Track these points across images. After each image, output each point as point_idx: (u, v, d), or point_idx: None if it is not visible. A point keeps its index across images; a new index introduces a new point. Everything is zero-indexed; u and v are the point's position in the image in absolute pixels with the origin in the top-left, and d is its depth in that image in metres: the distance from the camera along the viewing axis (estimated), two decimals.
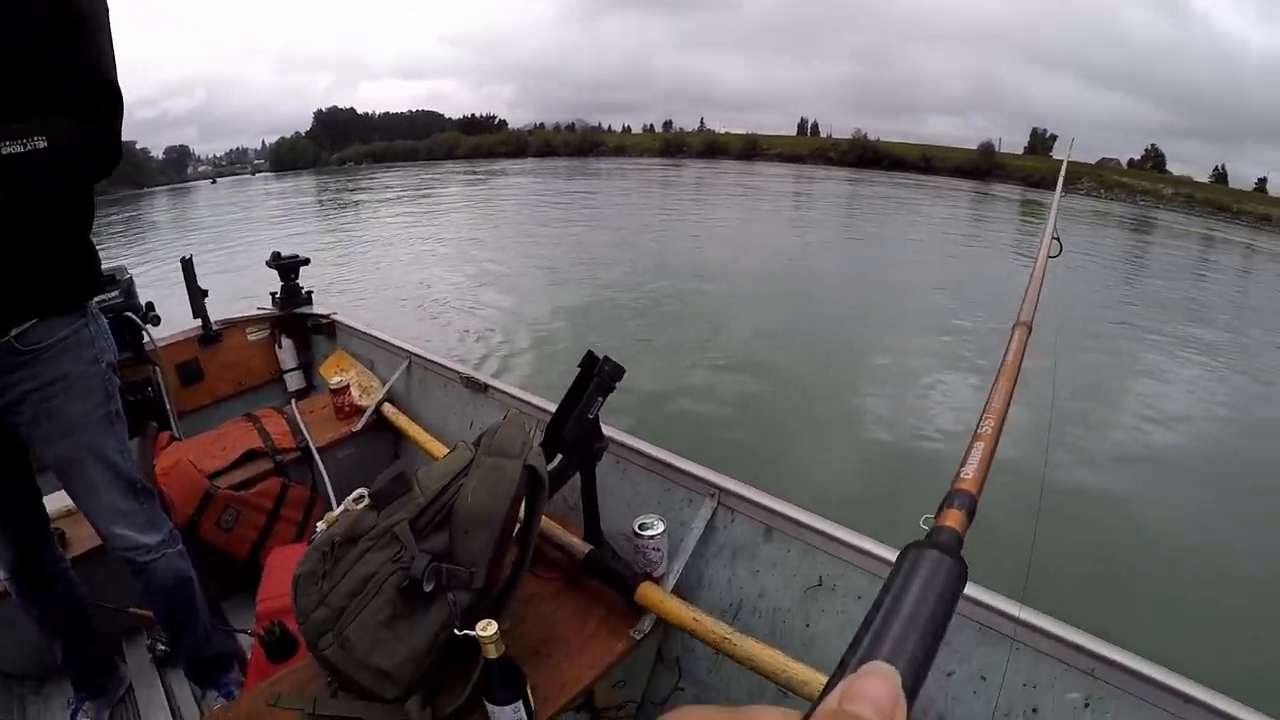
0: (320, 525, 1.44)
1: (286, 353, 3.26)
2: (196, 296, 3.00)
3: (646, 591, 1.57)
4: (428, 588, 1.27)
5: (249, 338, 3.22)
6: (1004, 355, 0.81)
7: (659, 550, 1.62)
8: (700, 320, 8.74)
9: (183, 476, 2.28)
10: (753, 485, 1.69)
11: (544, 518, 1.74)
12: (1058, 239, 1.53)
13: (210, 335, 3.07)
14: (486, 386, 2.40)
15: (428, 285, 10.49)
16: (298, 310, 3.25)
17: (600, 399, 1.60)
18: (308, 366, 3.32)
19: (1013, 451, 5.32)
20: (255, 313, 3.25)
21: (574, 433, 1.58)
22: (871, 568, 1.46)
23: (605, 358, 1.60)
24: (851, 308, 9.76)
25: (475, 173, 41.50)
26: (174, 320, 3.04)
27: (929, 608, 0.32)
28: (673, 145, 68.17)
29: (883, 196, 30.38)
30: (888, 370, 7.26)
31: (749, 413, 6.03)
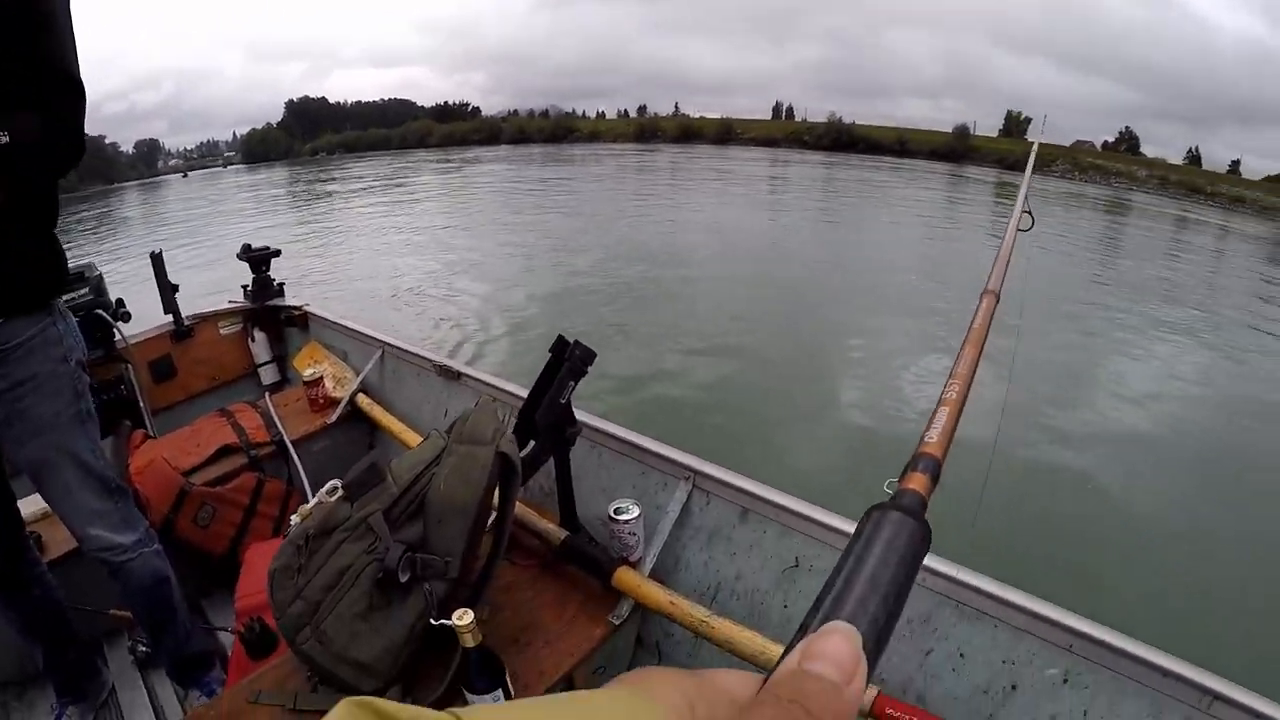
0: (294, 519, 1.44)
1: (260, 346, 3.22)
2: (167, 292, 2.96)
3: (623, 576, 1.57)
4: (403, 578, 1.26)
5: (221, 332, 3.18)
6: (971, 322, 0.81)
7: (635, 534, 1.62)
8: (675, 305, 8.75)
9: (157, 475, 2.25)
10: (728, 467, 1.69)
11: (520, 505, 1.74)
12: (1029, 213, 1.54)
13: (182, 331, 3.03)
14: (460, 374, 2.39)
15: (401, 275, 10.45)
16: (270, 303, 3.21)
17: (572, 384, 1.59)
18: (281, 359, 3.29)
19: (990, 430, 5.41)
20: (227, 306, 3.22)
21: (546, 418, 1.57)
22: (844, 545, 1.47)
23: (576, 342, 1.59)
24: (827, 290, 9.82)
25: (449, 161, 41.22)
26: (145, 317, 3.00)
27: (891, 570, 0.32)
28: (647, 130, 68.19)
29: (858, 180, 30.48)
30: (863, 351, 7.30)
31: (724, 396, 6.05)
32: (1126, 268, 13.98)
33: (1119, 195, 37.41)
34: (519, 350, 6.84)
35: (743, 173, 32.06)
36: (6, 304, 1.45)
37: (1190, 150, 54.44)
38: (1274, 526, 4.51)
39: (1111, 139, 58.90)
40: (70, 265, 1.72)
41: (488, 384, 2.28)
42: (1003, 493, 4.64)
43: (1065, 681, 1.25)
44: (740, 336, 7.55)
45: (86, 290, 2.62)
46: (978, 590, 1.32)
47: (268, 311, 3.22)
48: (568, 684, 1.49)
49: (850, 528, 1.45)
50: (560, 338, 1.61)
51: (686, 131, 65.62)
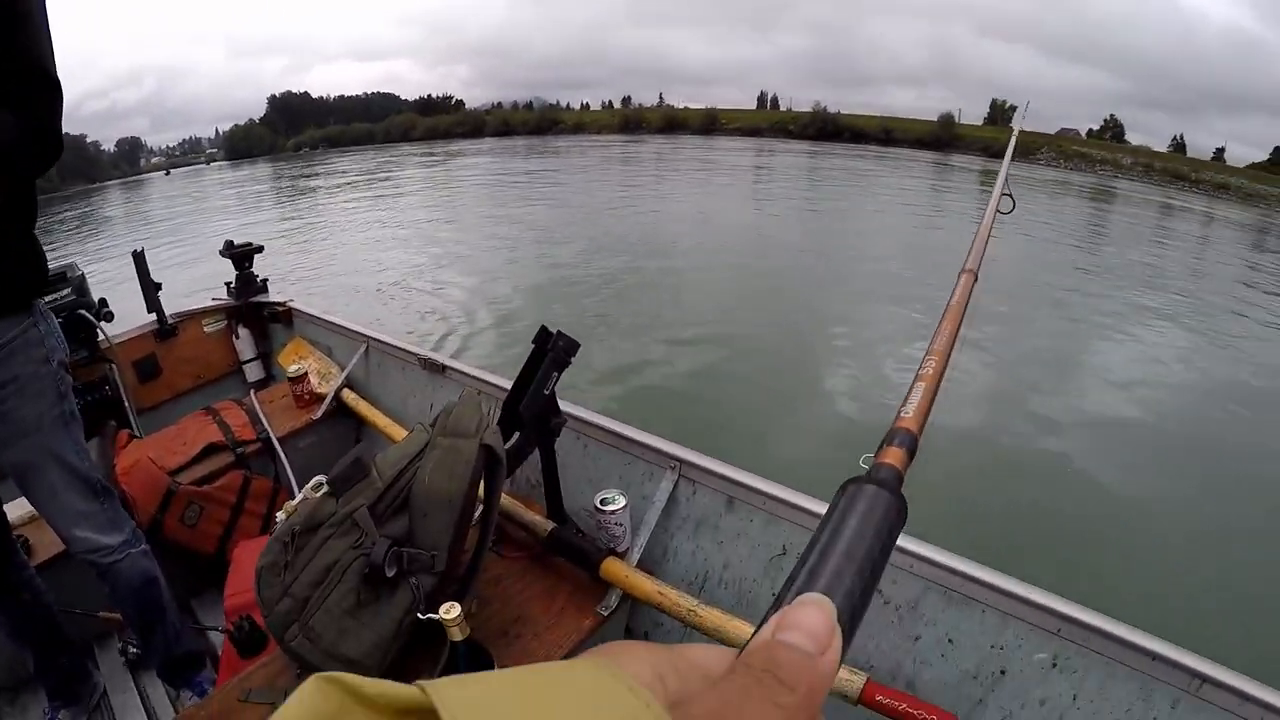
0: (280, 515, 1.43)
1: (244, 343, 3.21)
2: (150, 290, 2.93)
3: (611, 567, 1.58)
4: (389, 573, 1.26)
5: (205, 330, 3.16)
6: (949, 299, 0.82)
7: (622, 525, 1.63)
8: (659, 295, 8.74)
9: (143, 475, 2.24)
10: (713, 456, 1.69)
11: (507, 497, 1.74)
12: (1009, 195, 1.54)
13: (166, 329, 3.01)
14: (445, 367, 2.39)
15: (386, 269, 10.38)
16: (254, 299, 3.20)
17: (556, 374, 1.59)
18: (266, 356, 3.27)
19: (975, 417, 5.45)
20: (211, 304, 3.19)
21: (530, 410, 1.57)
22: None
23: (559, 332, 1.59)
24: (811, 279, 9.81)
25: (433, 154, 41.00)
26: (129, 316, 2.98)
27: (866, 543, 0.32)
28: (632, 121, 68.14)
29: (842, 169, 30.50)
30: (848, 339, 7.31)
31: (709, 385, 6.04)
32: (1111, 254, 14.05)
33: (1104, 182, 37.61)
34: (505, 342, 6.83)
35: (728, 163, 32.03)
36: None
37: (1175, 138, 54.96)
38: (1258, 509, 4.56)
39: (1096, 127, 59.30)
40: (52, 266, 1.70)
41: (472, 376, 2.28)
42: (989, 478, 4.68)
43: (1054, 665, 1.26)
44: (725, 326, 7.55)
45: (69, 291, 2.59)
46: (965, 575, 1.33)
47: (252, 308, 3.21)
48: None
49: None
50: (543, 328, 1.60)
51: (671, 122, 65.57)
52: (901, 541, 1.40)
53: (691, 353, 6.74)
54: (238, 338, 3.20)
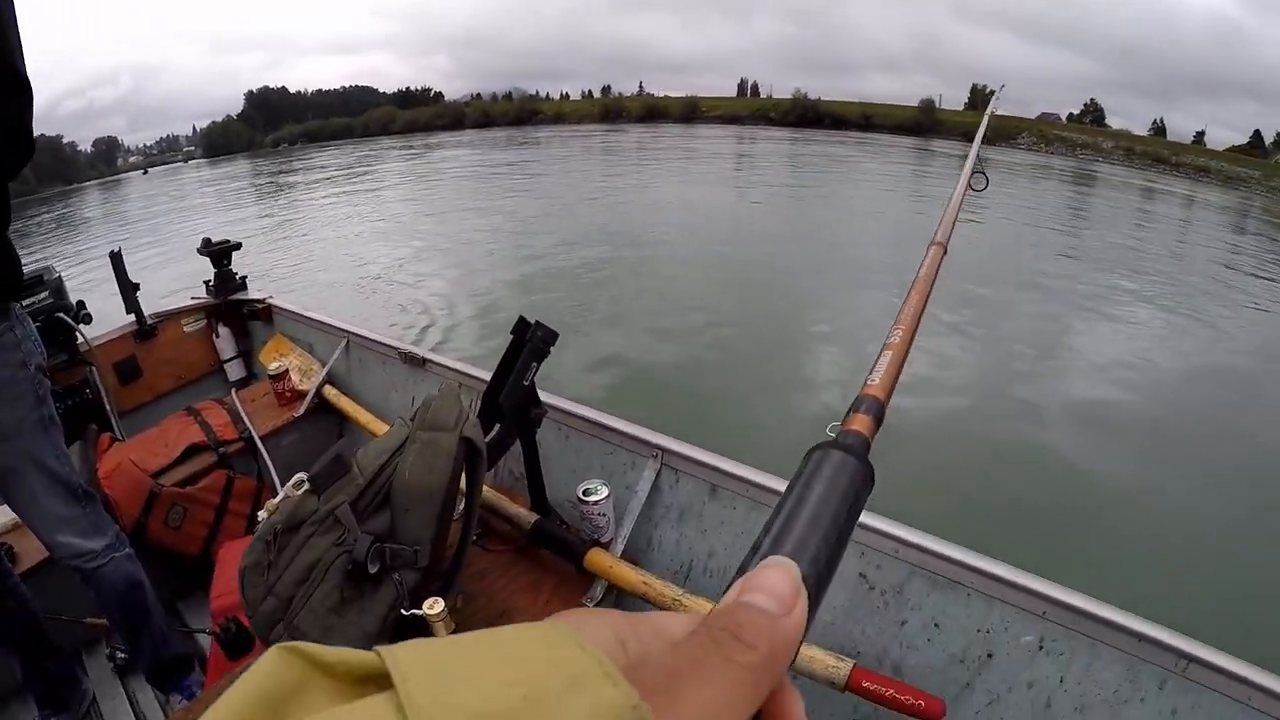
0: (262, 514, 1.43)
1: (224, 342, 3.18)
2: (128, 291, 2.90)
3: (595, 558, 1.58)
4: (372, 569, 1.26)
5: (185, 329, 3.13)
6: (918, 271, 0.83)
7: (605, 515, 1.63)
8: (640, 284, 8.74)
9: (126, 478, 2.22)
10: (695, 444, 1.70)
11: (490, 490, 1.74)
12: (983, 173, 1.56)
13: (146, 330, 2.98)
14: (425, 360, 2.39)
15: (367, 263, 10.32)
16: (233, 297, 3.17)
17: (535, 365, 1.58)
18: (247, 354, 3.25)
19: (957, 401, 5.49)
20: (190, 303, 3.16)
21: (510, 401, 1.57)
22: None
23: (537, 323, 1.58)
24: (792, 266, 9.79)
25: (412, 147, 40.70)
26: (111, 318, 2.95)
27: (832, 508, 0.31)
28: (612, 110, 67.89)
29: (823, 155, 30.50)
30: (829, 325, 7.32)
31: (692, 373, 6.05)
32: (1093, 238, 14.11)
33: (1085, 166, 37.82)
34: (486, 333, 6.82)
35: (708, 151, 32.02)
36: None
37: (1155, 122, 55.32)
38: (1241, 490, 4.61)
39: (1077, 111, 59.56)
40: (28, 269, 1.69)
41: (453, 369, 2.28)
42: (973, 462, 4.71)
43: (1041, 648, 1.27)
44: (705, 313, 7.54)
45: (46, 294, 2.56)
46: (949, 559, 1.34)
47: (231, 306, 3.18)
48: None
49: None
50: (521, 319, 1.60)
51: (651, 111, 65.37)
52: (885, 526, 1.41)
53: (672, 340, 6.75)
54: (218, 336, 3.17)
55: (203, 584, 2.01)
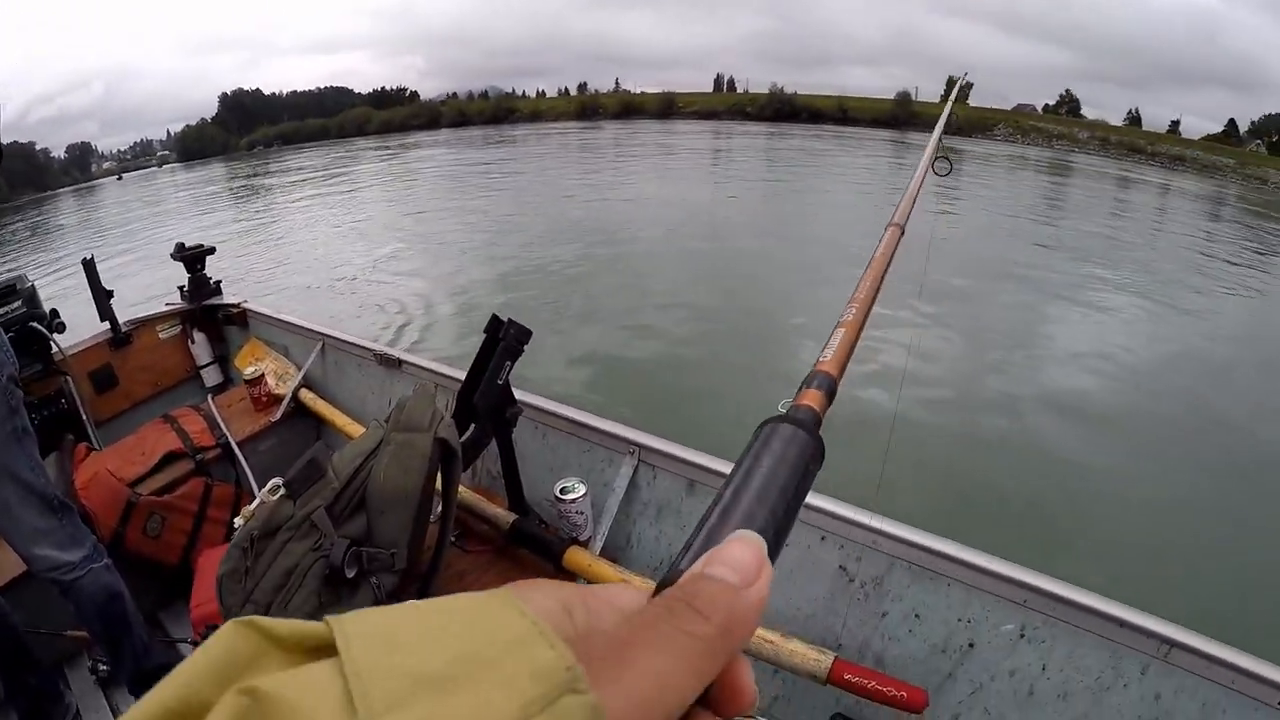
0: (238, 521, 1.42)
1: (200, 347, 3.15)
2: (102, 298, 2.85)
3: (574, 556, 1.58)
4: (349, 573, 1.26)
5: (161, 336, 3.10)
6: (874, 251, 0.84)
7: (583, 513, 1.63)
8: (617, 281, 8.73)
9: (103, 488, 2.20)
10: (672, 440, 1.70)
11: (468, 491, 1.74)
12: (946, 158, 1.56)
13: (120, 338, 2.94)
14: (401, 362, 2.38)
15: (343, 265, 10.25)
16: (208, 302, 3.14)
17: (509, 363, 1.58)
18: (223, 359, 3.22)
19: (936, 392, 5.52)
20: (165, 309, 3.12)
21: (485, 401, 1.57)
22: (798, 514, 1.49)
23: (510, 320, 1.58)
24: (769, 260, 9.78)
25: (388, 148, 40.38)
26: (85, 326, 2.92)
27: (780, 482, 0.31)
28: (589, 107, 67.63)
29: (799, 149, 30.58)
30: (805, 316, 7.31)
31: (667, 369, 6.05)
32: (1069, 228, 14.20)
33: (1061, 157, 38.11)
34: (463, 333, 6.79)
35: (685, 146, 31.94)
36: None
37: (1130, 112, 55.62)
38: (1218, 473, 4.67)
39: (1053, 102, 59.90)
40: (0, 279, 1.67)
41: (429, 370, 2.28)
42: (951, 453, 4.74)
43: (1022, 636, 1.29)
44: (682, 309, 7.54)
45: (19, 303, 2.52)
46: (929, 550, 1.35)
47: (206, 311, 3.15)
48: None
49: None
50: (494, 317, 1.59)
51: (628, 107, 65.08)
52: (865, 518, 1.42)
53: (648, 337, 6.75)
54: (193, 342, 3.14)
55: (183, 593, 2.00)
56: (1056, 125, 50.26)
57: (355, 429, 2.36)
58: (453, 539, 1.54)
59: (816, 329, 6.91)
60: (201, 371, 3.18)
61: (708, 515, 0.29)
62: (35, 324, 2.52)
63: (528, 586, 0.24)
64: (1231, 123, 49.80)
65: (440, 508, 1.44)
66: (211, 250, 3.17)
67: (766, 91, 63.04)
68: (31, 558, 1.63)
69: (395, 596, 1.29)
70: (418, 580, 1.37)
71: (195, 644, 1.62)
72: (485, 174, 23.05)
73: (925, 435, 4.89)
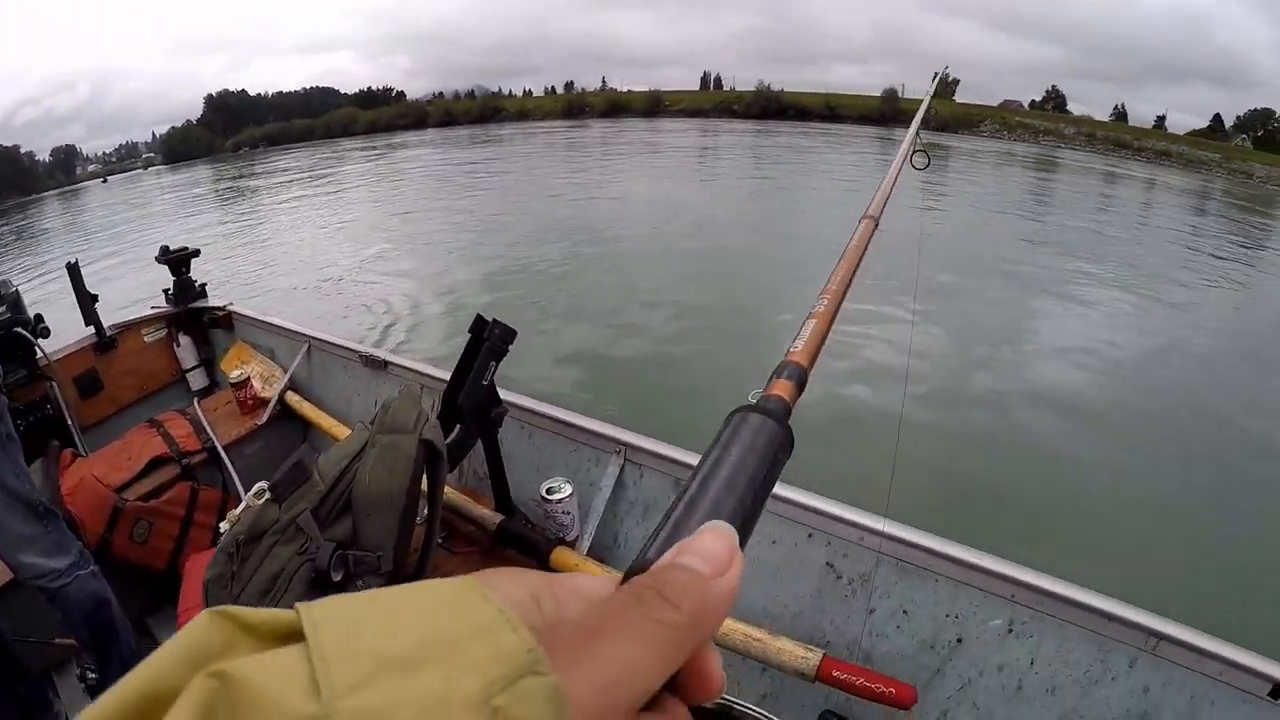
0: (223, 526, 1.42)
1: (186, 351, 3.14)
2: (86, 302, 2.83)
3: (561, 556, 1.58)
4: (336, 577, 1.25)
5: (146, 340, 3.08)
6: (848, 243, 0.85)
7: (569, 513, 1.63)
8: (603, 280, 8.73)
9: (89, 494, 2.19)
10: (658, 439, 1.71)
11: (454, 492, 1.74)
12: (924, 152, 1.57)
13: (106, 342, 2.92)
14: (387, 363, 2.38)
15: (329, 266, 10.20)
16: (193, 305, 3.12)
17: (494, 363, 1.58)
18: (209, 363, 3.21)
19: (924, 388, 5.54)
20: (150, 313, 3.11)
21: (470, 401, 1.56)
22: (784, 511, 1.50)
23: (495, 321, 1.58)
24: (756, 258, 9.76)
25: (374, 148, 40.14)
26: (69, 330, 2.90)
27: (748, 471, 0.31)
28: (575, 106, 67.39)
29: (786, 146, 30.57)
30: (793, 315, 7.23)
31: (654, 367, 6.05)
32: (1056, 223, 14.27)
33: (1047, 153, 38.27)
34: (451, 332, 6.75)
35: (672, 144, 31.92)
36: None
37: (1116, 107, 55.83)
38: (1204, 465, 4.71)
39: (1039, 98, 60.07)
40: None
41: (415, 371, 2.27)
42: (939, 448, 4.75)
43: (1010, 631, 1.29)
44: (669, 307, 7.54)
45: (3, 308, 2.50)
46: (916, 546, 1.36)
47: (191, 314, 3.13)
48: None
49: (786, 491, 1.47)
50: (479, 317, 1.59)
51: (615, 106, 64.85)
52: (851, 515, 1.42)
53: (635, 335, 6.75)
54: (179, 346, 3.13)
55: (171, 598, 1.99)
56: (1043, 121, 50.44)
57: (341, 431, 2.35)
58: (439, 540, 1.54)
59: (799, 323, 6.92)
60: (187, 375, 3.17)
61: (676, 504, 0.29)
62: (19, 329, 2.50)
63: (496, 574, 0.24)
64: (1217, 117, 50.11)
65: (426, 509, 1.43)
66: (196, 253, 3.16)
67: (754, 89, 63.10)
68: (17, 565, 1.63)
69: None
70: (404, 582, 1.36)
71: None
72: (472, 174, 22.98)
73: (913, 431, 4.90)
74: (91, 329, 2.89)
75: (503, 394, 1.68)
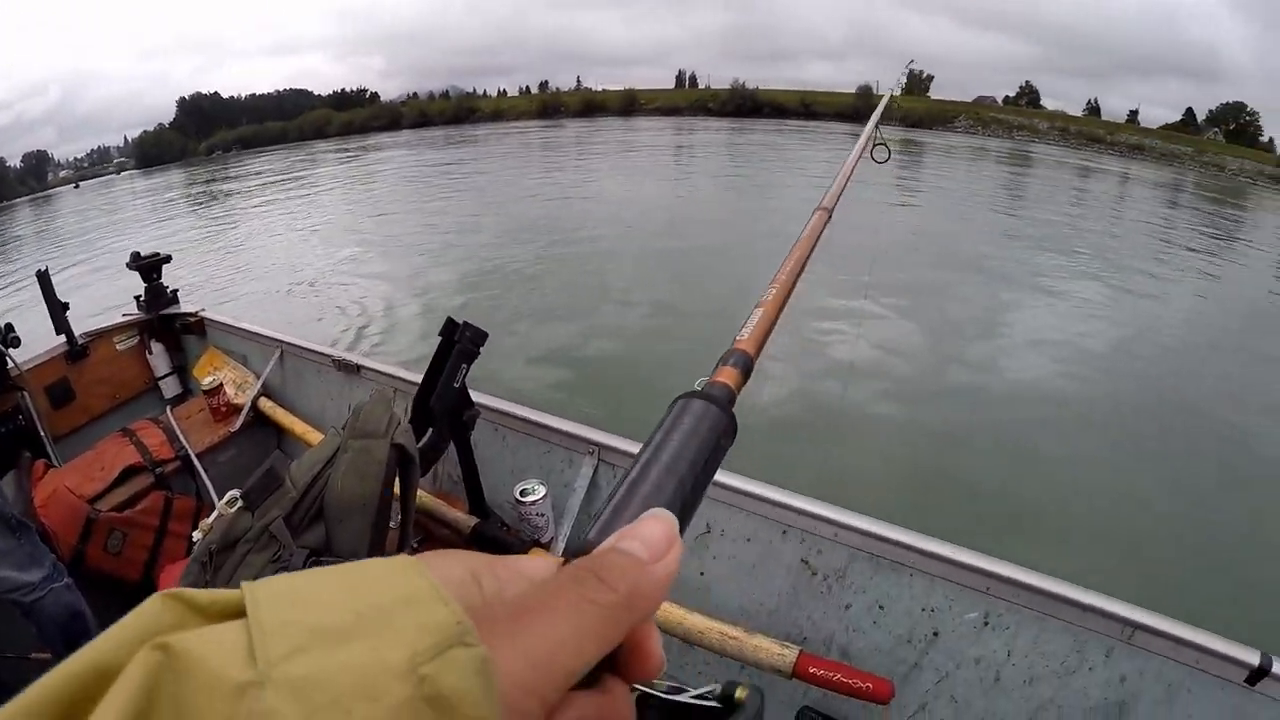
0: (196, 534, 1.41)
1: (158, 358, 3.09)
2: (57, 310, 2.79)
3: None
4: None
5: (118, 347, 3.04)
6: (800, 233, 0.85)
7: (543, 515, 1.63)
8: (577, 280, 8.72)
9: (62, 505, 2.17)
10: (632, 439, 1.71)
11: (428, 495, 1.73)
12: (885, 145, 1.59)
13: (77, 350, 2.87)
14: (359, 367, 2.37)
15: (303, 269, 10.13)
16: (165, 311, 3.08)
17: (465, 366, 1.58)
18: (182, 369, 3.17)
19: (896, 385, 5.57)
20: (121, 320, 3.06)
21: (441, 404, 1.56)
22: (758, 509, 1.51)
23: (465, 323, 1.58)
24: (730, 255, 9.74)
25: (348, 150, 39.85)
26: (40, 339, 2.86)
27: (690, 456, 0.32)
28: (550, 106, 67.26)
29: (761, 144, 30.70)
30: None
31: (627, 367, 6.04)
32: (1030, 217, 14.40)
33: (1021, 147, 38.65)
34: (426, 333, 6.69)
35: (647, 143, 31.97)
36: None
37: (1089, 102, 56.46)
38: (1176, 455, 4.78)
39: (1013, 93, 60.57)
40: None
41: (388, 374, 2.27)
42: (913, 442, 4.78)
43: (986, 624, 1.31)
44: (642, 306, 7.56)
45: None
46: (891, 541, 1.36)
47: (163, 321, 3.09)
48: None
49: (757, 489, 1.48)
50: (449, 320, 1.59)
51: (590, 105, 64.84)
52: (825, 511, 1.43)
53: (608, 335, 6.75)
54: (151, 353, 3.08)
55: None
56: (1017, 116, 50.95)
57: (315, 436, 2.34)
58: (414, 545, 1.54)
59: (780, 323, 6.93)
60: (160, 383, 3.13)
61: (617, 488, 0.30)
62: None
63: (438, 555, 0.25)
64: (1189, 111, 50.78)
65: (400, 514, 1.43)
66: (168, 259, 3.12)
67: (729, 87, 63.25)
68: None
69: None
70: None
71: None
72: (446, 174, 22.86)
73: (887, 426, 4.93)
74: (63, 338, 2.85)
75: (475, 396, 1.68)
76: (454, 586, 0.22)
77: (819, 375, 5.78)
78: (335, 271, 9.76)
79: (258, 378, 2.74)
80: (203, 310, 3.08)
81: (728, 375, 0.45)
